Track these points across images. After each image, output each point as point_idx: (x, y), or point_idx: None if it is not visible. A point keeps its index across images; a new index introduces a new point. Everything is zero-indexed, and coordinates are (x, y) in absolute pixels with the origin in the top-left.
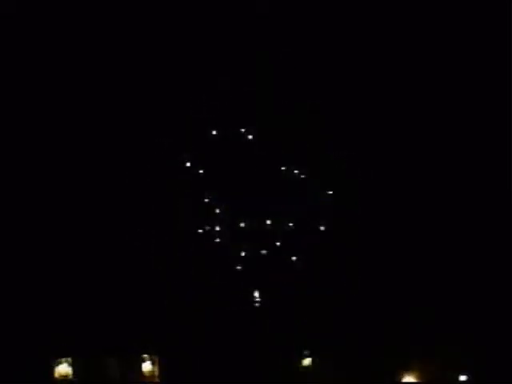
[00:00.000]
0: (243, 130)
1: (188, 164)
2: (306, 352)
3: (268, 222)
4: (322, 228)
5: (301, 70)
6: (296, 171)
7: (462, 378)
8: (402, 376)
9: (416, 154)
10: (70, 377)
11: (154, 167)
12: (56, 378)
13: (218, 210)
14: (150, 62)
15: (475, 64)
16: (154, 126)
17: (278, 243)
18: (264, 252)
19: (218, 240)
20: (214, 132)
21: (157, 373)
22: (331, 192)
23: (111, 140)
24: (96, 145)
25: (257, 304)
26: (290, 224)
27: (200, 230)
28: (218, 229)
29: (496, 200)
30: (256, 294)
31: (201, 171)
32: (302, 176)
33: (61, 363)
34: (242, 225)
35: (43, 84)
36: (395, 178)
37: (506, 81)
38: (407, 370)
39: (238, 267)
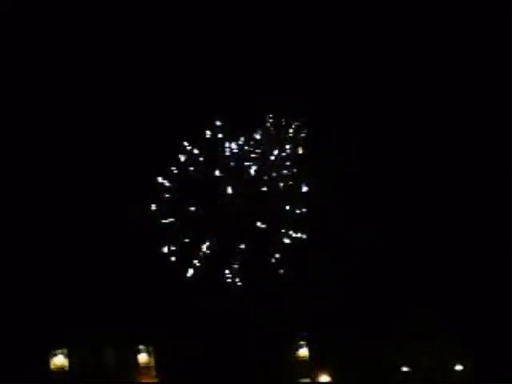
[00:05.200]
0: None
1: None
2: (302, 342)
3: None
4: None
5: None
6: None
7: (458, 367)
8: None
9: (415, 155)
10: (66, 368)
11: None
12: (52, 370)
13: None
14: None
15: (475, 64)
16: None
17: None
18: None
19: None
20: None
21: (152, 363)
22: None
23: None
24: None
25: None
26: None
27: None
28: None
29: (496, 201)
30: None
31: None
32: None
33: (56, 355)
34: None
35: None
36: (395, 178)
37: (506, 81)
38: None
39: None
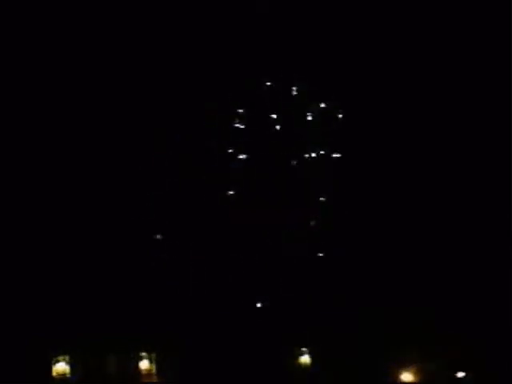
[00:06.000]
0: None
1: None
2: (303, 349)
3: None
4: (322, 227)
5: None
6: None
7: (460, 374)
8: (400, 374)
9: (416, 155)
10: (68, 375)
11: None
12: (54, 377)
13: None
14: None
15: (475, 64)
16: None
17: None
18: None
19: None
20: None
21: (154, 370)
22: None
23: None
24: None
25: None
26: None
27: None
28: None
29: (496, 201)
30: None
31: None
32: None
33: (58, 362)
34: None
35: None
36: (396, 179)
37: (505, 81)
38: (406, 368)
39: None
